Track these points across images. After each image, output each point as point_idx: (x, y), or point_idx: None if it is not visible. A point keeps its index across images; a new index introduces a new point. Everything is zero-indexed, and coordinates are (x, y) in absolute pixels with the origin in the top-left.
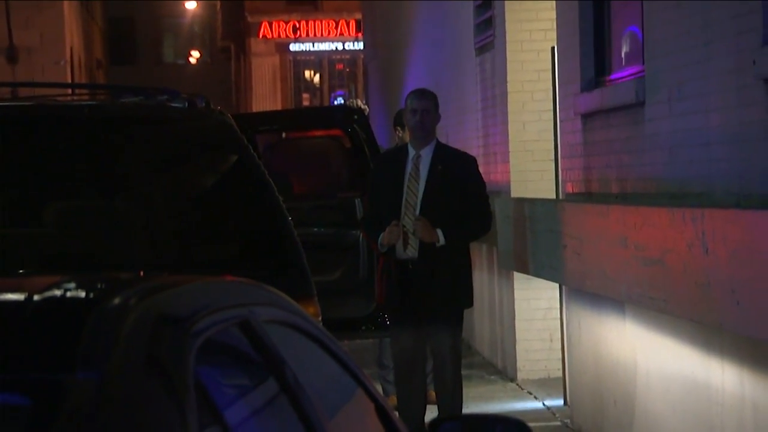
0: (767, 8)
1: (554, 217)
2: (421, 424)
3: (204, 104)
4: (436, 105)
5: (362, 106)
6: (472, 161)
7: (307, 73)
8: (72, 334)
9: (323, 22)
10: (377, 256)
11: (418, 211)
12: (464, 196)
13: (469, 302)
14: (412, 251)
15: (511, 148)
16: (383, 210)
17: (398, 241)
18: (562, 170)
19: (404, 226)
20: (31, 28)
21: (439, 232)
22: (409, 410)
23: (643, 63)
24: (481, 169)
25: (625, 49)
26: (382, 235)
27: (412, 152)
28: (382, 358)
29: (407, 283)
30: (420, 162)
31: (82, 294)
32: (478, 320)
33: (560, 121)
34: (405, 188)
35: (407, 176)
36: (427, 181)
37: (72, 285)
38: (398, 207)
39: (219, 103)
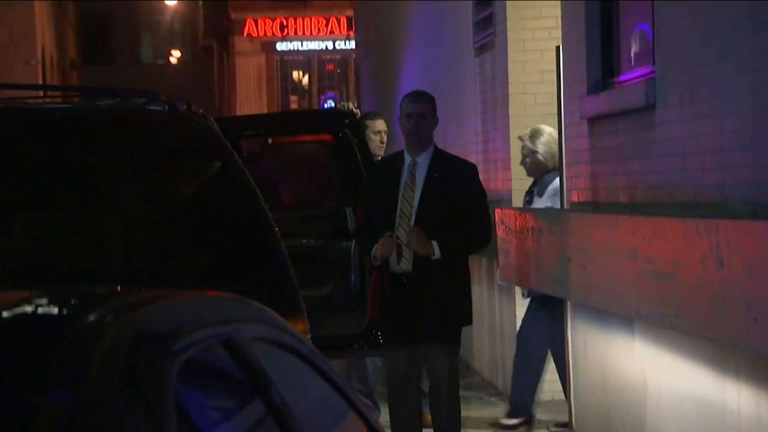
0: None
1: (558, 228)
2: None
3: (185, 107)
4: (433, 109)
5: (354, 110)
6: (471, 169)
7: (295, 74)
8: (44, 352)
9: (312, 19)
10: (370, 269)
11: (413, 222)
12: (462, 206)
13: (468, 319)
14: (406, 264)
15: (512, 155)
16: (377, 220)
17: (392, 254)
18: (567, 178)
19: (398, 238)
20: None
21: (435, 244)
22: (404, 430)
23: (654, 63)
24: (480, 177)
25: (634, 49)
26: (375, 247)
27: (408, 159)
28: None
29: (401, 298)
30: (416, 169)
31: (55, 310)
32: (478, 338)
33: (565, 126)
34: (400, 197)
35: (402, 184)
36: (423, 190)
37: (44, 300)
38: (393, 217)
39: (201, 105)
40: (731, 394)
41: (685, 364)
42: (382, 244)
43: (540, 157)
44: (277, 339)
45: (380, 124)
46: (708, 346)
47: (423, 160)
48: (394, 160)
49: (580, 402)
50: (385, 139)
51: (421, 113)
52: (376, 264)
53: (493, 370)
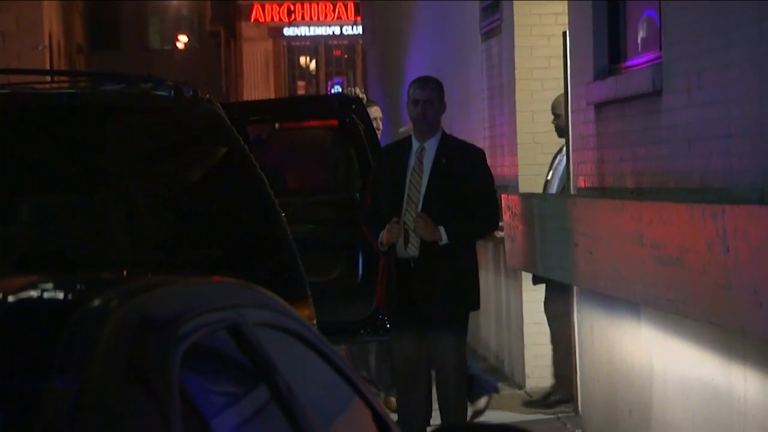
0: None
1: (565, 213)
2: None
3: (191, 93)
4: (441, 94)
5: (361, 95)
6: (479, 154)
7: (302, 60)
8: (48, 338)
9: (319, 4)
10: (377, 255)
11: (420, 208)
12: (470, 191)
13: (475, 305)
14: (412, 250)
15: (519, 140)
16: (384, 206)
17: (399, 240)
18: (573, 164)
19: (405, 224)
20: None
21: (442, 230)
22: (411, 419)
23: (661, 49)
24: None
25: (641, 35)
26: (382, 233)
27: (415, 145)
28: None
29: (408, 283)
30: (424, 155)
31: (60, 296)
32: (484, 324)
33: (572, 111)
34: (407, 183)
35: (410, 170)
36: (431, 176)
37: (49, 286)
38: (400, 203)
39: (207, 91)
40: (737, 379)
41: (691, 349)
42: (389, 230)
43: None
44: (282, 324)
45: (375, 111)
46: (714, 331)
47: (431, 145)
48: (402, 146)
49: (587, 388)
50: (380, 125)
51: (429, 99)
52: (383, 250)
53: (500, 356)
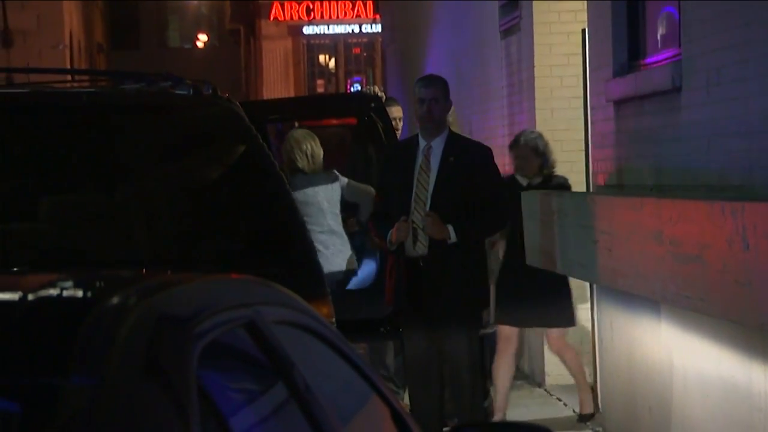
0: None
1: (584, 210)
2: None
3: (210, 91)
4: (446, 92)
5: (380, 94)
6: (486, 152)
7: (321, 58)
8: (67, 335)
9: (339, 3)
10: (386, 254)
11: (428, 206)
12: (478, 189)
13: (485, 302)
14: (421, 248)
15: None
16: (392, 205)
17: (407, 238)
18: (592, 161)
19: (413, 222)
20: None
21: (450, 228)
22: (425, 417)
23: (680, 46)
24: (506, 160)
25: (660, 32)
26: (390, 231)
27: (422, 143)
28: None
29: (417, 282)
30: (431, 154)
31: (79, 293)
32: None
33: (591, 109)
34: (415, 182)
35: (417, 169)
36: (438, 174)
37: (68, 283)
38: (408, 202)
39: (227, 89)
40: (758, 376)
41: (711, 347)
42: (397, 228)
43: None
44: (300, 322)
45: (395, 111)
46: (734, 328)
47: (437, 144)
48: (409, 145)
49: (607, 385)
50: (399, 125)
51: (434, 98)
52: (392, 248)
53: (519, 355)
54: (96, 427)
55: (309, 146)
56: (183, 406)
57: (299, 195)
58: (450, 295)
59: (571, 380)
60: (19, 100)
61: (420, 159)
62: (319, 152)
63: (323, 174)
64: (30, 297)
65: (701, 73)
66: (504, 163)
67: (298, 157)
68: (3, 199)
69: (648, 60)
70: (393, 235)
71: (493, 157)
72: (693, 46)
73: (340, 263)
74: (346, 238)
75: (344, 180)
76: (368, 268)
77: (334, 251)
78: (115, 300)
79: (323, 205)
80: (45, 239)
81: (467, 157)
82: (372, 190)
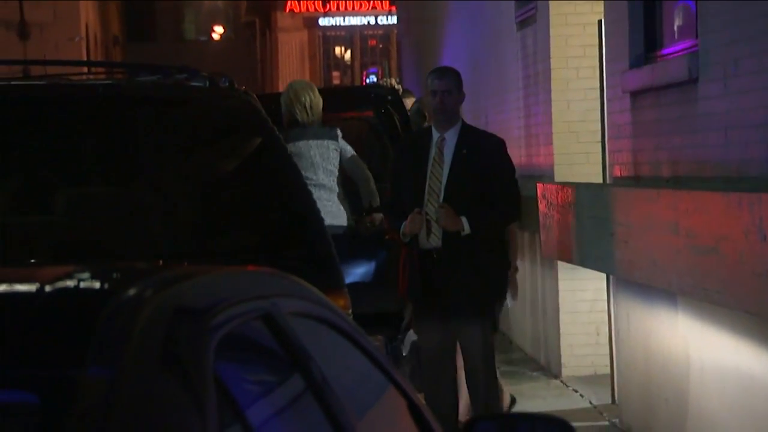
0: None
1: (601, 202)
2: (453, 424)
3: (227, 83)
4: (459, 84)
5: (396, 86)
6: (499, 143)
7: (337, 50)
8: (84, 327)
9: None
10: (400, 245)
11: (441, 198)
12: (491, 181)
13: (500, 294)
14: (435, 240)
15: (554, 129)
16: (406, 197)
17: (421, 230)
18: (609, 152)
19: (427, 214)
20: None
21: (464, 220)
22: (440, 409)
23: (697, 37)
24: (522, 152)
25: (677, 23)
26: (404, 223)
27: (435, 135)
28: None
29: (431, 274)
30: (444, 145)
31: (95, 285)
32: (520, 313)
33: (607, 100)
34: (428, 174)
35: (430, 161)
36: (452, 166)
37: (85, 275)
38: (421, 194)
39: (244, 82)
40: None
41: (728, 338)
42: (411, 220)
43: None
44: (317, 314)
45: (410, 103)
46: (751, 320)
47: (451, 136)
48: (422, 137)
49: (623, 377)
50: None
51: (447, 89)
52: (406, 240)
53: (536, 346)
54: (113, 418)
55: (308, 97)
56: (200, 398)
57: (292, 147)
58: (463, 286)
59: (587, 371)
60: (36, 92)
61: (433, 151)
62: (318, 102)
63: (321, 128)
64: (47, 289)
65: (718, 64)
66: (519, 155)
67: (297, 110)
68: (20, 192)
69: (665, 51)
70: (406, 227)
71: (506, 149)
72: (710, 38)
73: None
74: (336, 194)
75: (347, 147)
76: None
77: (320, 205)
78: (131, 292)
79: (315, 159)
80: (61, 232)
81: (480, 148)
82: (369, 175)
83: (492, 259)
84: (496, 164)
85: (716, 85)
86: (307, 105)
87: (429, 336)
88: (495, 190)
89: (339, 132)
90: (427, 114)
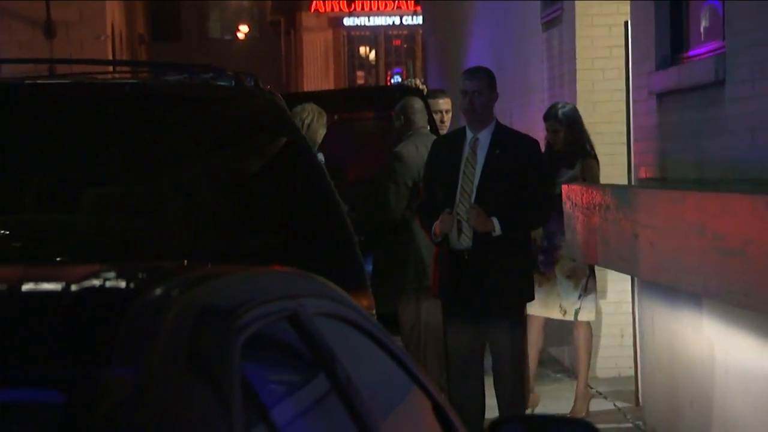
0: None
1: (626, 204)
2: (479, 425)
3: (252, 83)
4: (490, 84)
5: (421, 86)
6: (533, 144)
7: (362, 50)
8: (110, 327)
9: None
10: (433, 245)
11: (473, 199)
12: (524, 182)
13: (529, 295)
14: (466, 241)
15: None
16: (439, 197)
17: (452, 230)
18: (634, 154)
19: (458, 214)
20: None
21: (495, 221)
22: (466, 410)
23: (724, 39)
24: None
25: (703, 24)
26: (435, 224)
27: (469, 135)
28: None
29: (462, 274)
30: (477, 146)
31: (122, 284)
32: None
33: (633, 102)
34: (461, 174)
35: (463, 161)
36: (484, 167)
37: (111, 275)
38: (453, 194)
39: (268, 81)
40: None
41: (753, 341)
42: (442, 220)
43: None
44: (341, 314)
45: (443, 104)
46: None
47: (484, 136)
48: (456, 137)
49: (648, 379)
50: (446, 118)
51: (476, 89)
52: (437, 241)
53: (560, 347)
54: (137, 418)
55: (309, 118)
56: (225, 398)
57: None
58: (494, 287)
59: (611, 373)
60: (62, 90)
61: (467, 151)
62: (317, 129)
63: None
64: (73, 288)
65: (745, 66)
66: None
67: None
68: (45, 191)
69: (691, 53)
70: (437, 227)
71: (540, 149)
72: (737, 39)
73: None
74: None
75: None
76: None
77: None
78: (157, 292)
79: None
80: (86, 231)
81: (514, 149)
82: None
83: (522, 260)
84: (529, 165)
85: (743, 87)
86: (306, 123)
87: (458, 336)
88: (527, 191)
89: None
90: (410, 114)
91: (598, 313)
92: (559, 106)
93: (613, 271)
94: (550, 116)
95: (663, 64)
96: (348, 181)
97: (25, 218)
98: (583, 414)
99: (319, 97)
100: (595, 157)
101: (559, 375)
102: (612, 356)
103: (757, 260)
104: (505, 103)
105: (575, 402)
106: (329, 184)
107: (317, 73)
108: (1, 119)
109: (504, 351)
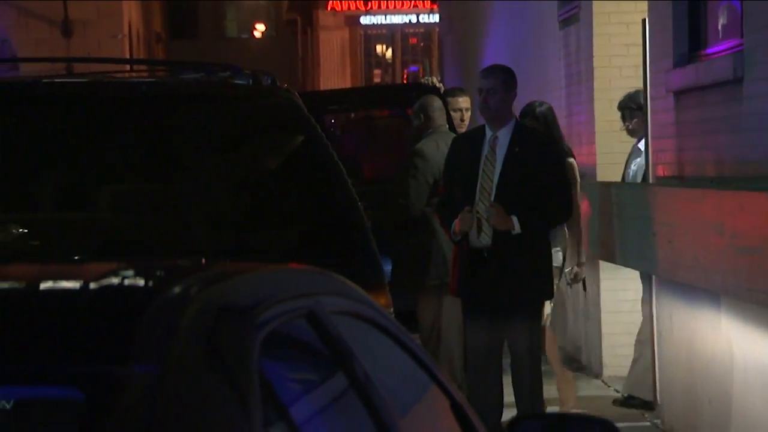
0: None
1: (644, 202)
2: (497, 423)
3: (269, 81)
4: (506, 83)
5: (438, 84)
6: (552, 143)
7: (378, 48)
8: (129, 324)
9: None
10: (453, 244)
11: (493, 197)
12: (543, 180)
13: (549, 293)
14: (485, 239)
15: (597, 129)
16: (458, 195)
17: (471, 229)
18: (652, 152)
19: (478, 212)
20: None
21: (515, 219)
22: (484, 408)
23: (742, 36)
24: None
25: (721, 21)
26: (454, 222)
27: (489, 134)
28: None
29: (481, 272)
30: (496, 144)
31: (141, 282)
32: (561, 313)
33: (651, 99)
34: (480, 172)
35: (483, 159)
36: (503, 165)
37: (130, 273)
38: (473, 192)
39: (285, 80)
40: None
41: None
42: (461, 218)
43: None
44: (359, 312)
45: (462, 102)
46: None
47: (504, 134)
48: (476, 135)
49: (666, 377)
50: (465, 116)
51: (491, 88)
52: (456, 239)
53: (577, 345)
54: (157, 415)
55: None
56: (244, 396)
57: None
58: (513, 285)
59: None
60: (80, 89)
61: (486, 149)
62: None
63: None
64: (92, 286)
65: (764, 63)
66: None
67: None
68: (63, 189)
69: (709, 50)
70: (457, 226)
71: (559, 149)
72: (755, 37)
73: None
74: None
75: None
76: None
77: None
78: (176, 289)
79: None
80: (104, 229)
81: (533, 147)
82: None
83: (541, 259)
84: (548, 163)
85: (762, 85)
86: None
87: (476, 334)
88: (546, 190)
89: None
90: (430, 113)
91: (616, 311)
92: (536, 104)
93: (629, 269)
94: (527, 114)
95: (681, 61)
96: (364, 179)
97: (42, 216)
98: (572, 400)
99: (337, 96)
100: (573, 156)
101: (576, 373)
102: (629, 354)
103: None
104: (523, 101)
105: (559, 390)
106: (347, 181)
107: (334, 71)
108: (18, 118)
109: (522, 349)
